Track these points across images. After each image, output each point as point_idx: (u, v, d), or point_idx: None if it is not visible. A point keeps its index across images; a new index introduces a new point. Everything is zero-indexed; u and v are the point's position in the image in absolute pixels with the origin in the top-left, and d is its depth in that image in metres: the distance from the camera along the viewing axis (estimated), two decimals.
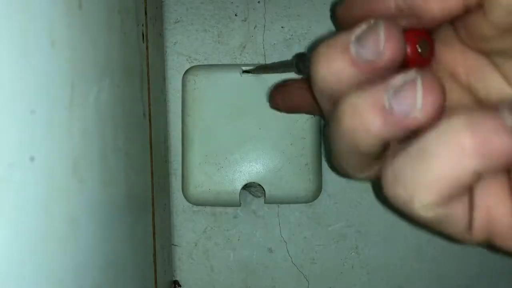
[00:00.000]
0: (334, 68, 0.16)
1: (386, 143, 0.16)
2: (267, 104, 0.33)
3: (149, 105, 0.28)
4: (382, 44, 0.15)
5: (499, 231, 0.15)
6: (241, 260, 0.37)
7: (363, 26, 0.16)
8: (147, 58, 0.28)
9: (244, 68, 0.34)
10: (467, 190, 0.15)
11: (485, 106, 0.17)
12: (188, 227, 0.37)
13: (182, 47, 0.36)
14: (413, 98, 0.14)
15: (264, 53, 0.36)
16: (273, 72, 0.32)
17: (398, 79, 0.15)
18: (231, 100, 0.34)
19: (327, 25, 0.36)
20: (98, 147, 0.19)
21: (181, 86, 0.35)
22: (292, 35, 0.36)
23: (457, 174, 0.14)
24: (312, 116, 0.33)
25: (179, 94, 0.35)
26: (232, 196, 0.34)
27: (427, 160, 0.14)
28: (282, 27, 0.36)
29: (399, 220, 0.35)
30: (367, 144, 0.16)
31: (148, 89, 0.28)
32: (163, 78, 0.35)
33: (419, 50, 0.17)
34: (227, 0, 0.36)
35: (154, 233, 0.29)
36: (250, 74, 0.34)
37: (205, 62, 0.36)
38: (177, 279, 0.37)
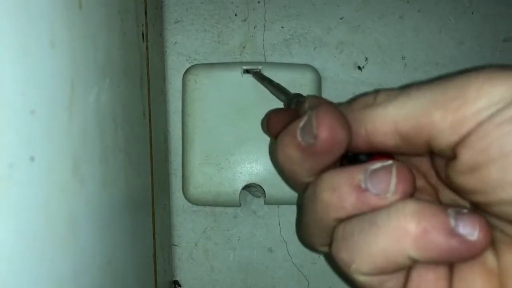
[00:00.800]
0: (288, 153, 0.18)
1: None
2: (268, 104, 0.33)
3: (149, 105, 0.28)
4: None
5: None
6: (241, 260, 0.37)
7: (304, 118, 0.17)
8: (147, 58, 0.28)
9: (245, 67, 0.34)
10: (403, 269, 0.16)
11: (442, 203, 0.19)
12: (188, 227, 0.37)
13: (182, 47, 0.36)
14: (387, 182, 0.16)
15: (264, 53, 0.36)
16: (268, 89, 0.32)
17: (376, 164, 0.16)
18: (232, 100, 0.34)
19: (327, 25, 0.36)
20: (98, 147, 0.19)
21: (181, 86, 0.35)
22: (292, 35, 0.36)
23: (394, 254, 0.15)
24: None
25: (179, 94, 0.35)
26: (232, 197, 0.34)
27: (373, 232, 0.15)
28: (282, 27, 0.36)
29: None
30: (338, 217, 0.17)
31: (148, 89, 0.28)
32: (163, 78, 0.35)
33: None
34: (227, 0, 0.36)
35: (154, 233, 0.29)
36: (250, 75, 0.34)
37: (205, 62, 0.36)
38: (177, 279, 0.37)
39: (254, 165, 0.34)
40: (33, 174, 0.13)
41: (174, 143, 0.36)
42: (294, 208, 0.36)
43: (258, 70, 0.33)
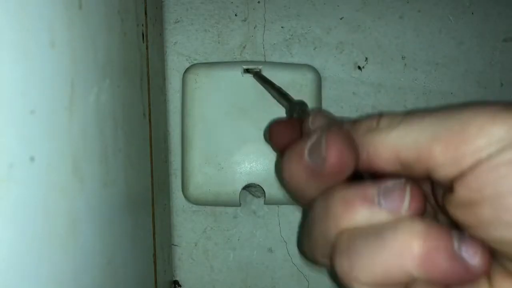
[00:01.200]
0: (294, 172, 0.18)
1: None
2: (268, 104, 0.33)
3: (149, 105, 0.28)
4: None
5: None
6: (241, 260, 0.37)
7: (313, 138, 0.18)
8: (147, 58, 0.28)
9: (245, 66, 0.34)
10: (400, 285, 0.16)
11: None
12: (188, 227, 0.37)
13: (182, 47, 0.36)
14: (401, 200, 0.16)
15: (264, 53, 0.36)
16: (269, 91, 0.32)
17: (389, 182, 0.17)
18: (232, 100, 0.34)
19: (327, 25, 0.36)
20: (98, 147, 0.19)
21: (181, 86, 0.35)
22: (292, 35, 0.36)
23: (394, 269, 0.15)
24: None
25: (179, 94, 0.35)
26: (232, 197, 0.34)
27: (377, 244, 0.16)
28: (282, 27, 0.36)
29: None
30: (345, 229, 0.17)
31: (148, 89, 0.28)
32: (163, 78, 0.35)
33: None
34: (227, 0, 0.36)
35: (154, 233, 0.29)
36: (250, 75, 0.33)
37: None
38: (177, 279, 0.37)
39: (254, 165, 0.34)
40: (33, 174, 0.13)
41: (174, 143, 0.36)
42: (294, 208, 0.36)
43: (258, 70, 0.33)
